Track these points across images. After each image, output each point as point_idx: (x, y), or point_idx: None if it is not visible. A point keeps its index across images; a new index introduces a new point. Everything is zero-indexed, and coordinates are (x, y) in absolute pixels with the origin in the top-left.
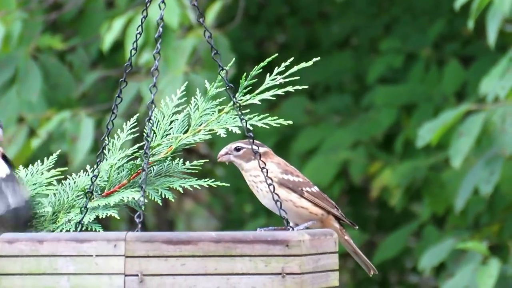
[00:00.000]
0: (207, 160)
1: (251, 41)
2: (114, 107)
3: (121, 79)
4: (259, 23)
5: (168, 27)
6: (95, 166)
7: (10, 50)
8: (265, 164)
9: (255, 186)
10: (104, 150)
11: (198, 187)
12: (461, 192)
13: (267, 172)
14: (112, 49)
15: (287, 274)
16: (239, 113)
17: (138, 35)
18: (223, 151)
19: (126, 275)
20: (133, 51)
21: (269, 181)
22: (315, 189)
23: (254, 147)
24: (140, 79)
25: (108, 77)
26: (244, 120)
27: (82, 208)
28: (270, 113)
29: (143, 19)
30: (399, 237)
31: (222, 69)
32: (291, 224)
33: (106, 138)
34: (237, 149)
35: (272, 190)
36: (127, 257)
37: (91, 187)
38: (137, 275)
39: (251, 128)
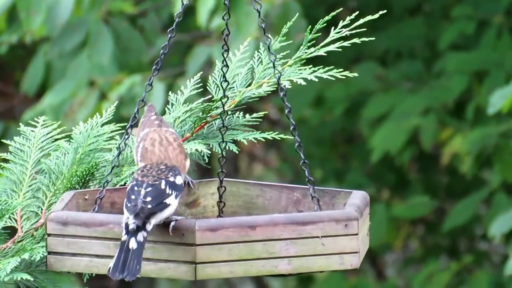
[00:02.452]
0: (267, 112)
1: (323, 6)
2: (151, 78)
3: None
4: None
5: None
6: (122, 140)
7: (82, 14)
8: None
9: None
10: (132, 126)
11: (262, 139)
12: None
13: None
14: (183, 14)
15: None
16: (273, 66)
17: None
18: None
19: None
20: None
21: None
22: None
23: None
24: (211, 43)
25: (179, 42)
26: (278, 74)
27: None
28: (340, 79)
29: None
30: (469, 204)
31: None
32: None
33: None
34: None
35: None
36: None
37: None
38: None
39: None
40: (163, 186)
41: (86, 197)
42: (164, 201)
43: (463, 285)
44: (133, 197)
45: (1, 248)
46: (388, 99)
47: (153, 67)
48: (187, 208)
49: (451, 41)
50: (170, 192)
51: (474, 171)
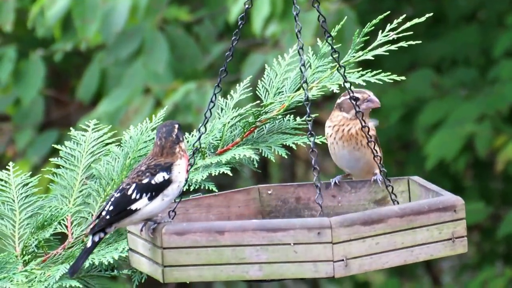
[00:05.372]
0: (317, 114)
1: (378, 14)
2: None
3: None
4: None
5: None
6: (202, 124)
7: (137, 22)
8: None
9: (359, 138)
10: (210, 110)
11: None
12: None
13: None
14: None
15: (456, 238)
16: (339, 67)
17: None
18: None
19: (334, 262)
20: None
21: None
22: None
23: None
24: (266, 51)
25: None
26: (343, 78)
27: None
28: (396, 86)
29: None
30: None
31: (329, 36)
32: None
33: (212, 102)
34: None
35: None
36: (334, 243)
37: (196, 143)
38: (342, 260)
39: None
40: (130, 192)
41: (270, 192)
42: (128, 208)
43: None
44: (104, 203)
45: (51, 254)
46: (443, 106)
47: (221, 69)
48: (376, 205)
49: (506, 48)
50: (137, 197)
51: None
